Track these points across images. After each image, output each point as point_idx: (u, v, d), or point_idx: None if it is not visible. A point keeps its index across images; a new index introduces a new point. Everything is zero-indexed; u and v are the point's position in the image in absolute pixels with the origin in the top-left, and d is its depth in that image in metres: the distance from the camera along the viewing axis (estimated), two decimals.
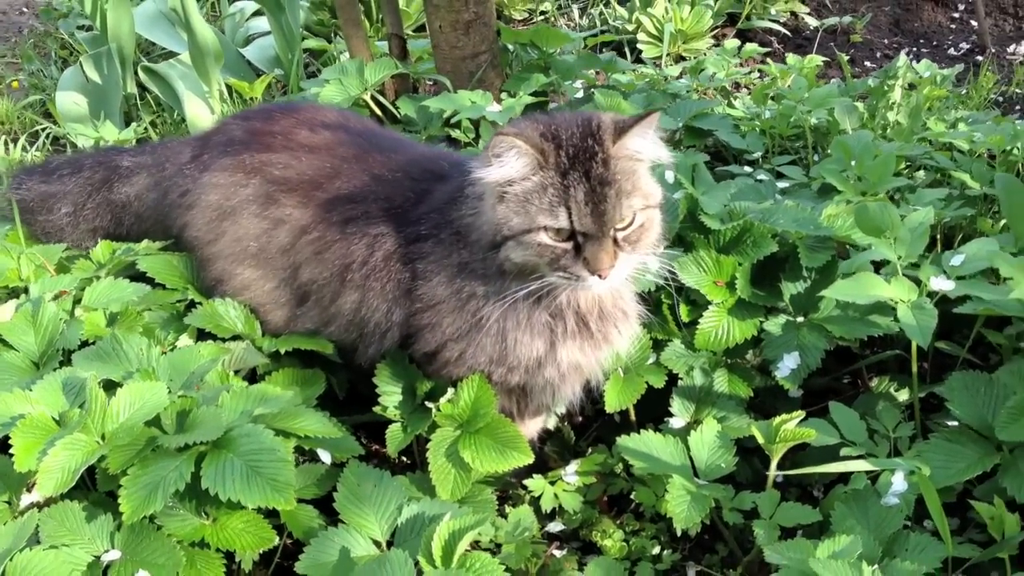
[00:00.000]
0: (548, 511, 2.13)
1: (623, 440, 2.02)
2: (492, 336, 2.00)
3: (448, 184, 2.07)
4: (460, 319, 2.01)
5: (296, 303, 2.20)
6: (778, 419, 1.96)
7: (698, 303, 2.26)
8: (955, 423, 2.03)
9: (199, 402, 1.88)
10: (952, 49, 4.60)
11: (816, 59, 3.25)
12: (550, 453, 2.34)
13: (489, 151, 1.82)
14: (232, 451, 1.76)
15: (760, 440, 1.97)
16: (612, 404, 2.16)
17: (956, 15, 4.82)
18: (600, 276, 1.82)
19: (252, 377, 2.17)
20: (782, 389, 2.31)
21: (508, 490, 2.21)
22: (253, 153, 2.24)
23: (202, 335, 2.19)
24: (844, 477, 2.20)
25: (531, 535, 1.99)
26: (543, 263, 1.85)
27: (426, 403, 2.09)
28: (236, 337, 2.16)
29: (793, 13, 4.74)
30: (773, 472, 2.00)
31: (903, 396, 2.35)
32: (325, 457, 1.99)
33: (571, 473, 2.15)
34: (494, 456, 2.01)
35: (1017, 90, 3.93)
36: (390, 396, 2.14)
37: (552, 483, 2.14)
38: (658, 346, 2.27)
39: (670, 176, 2.33)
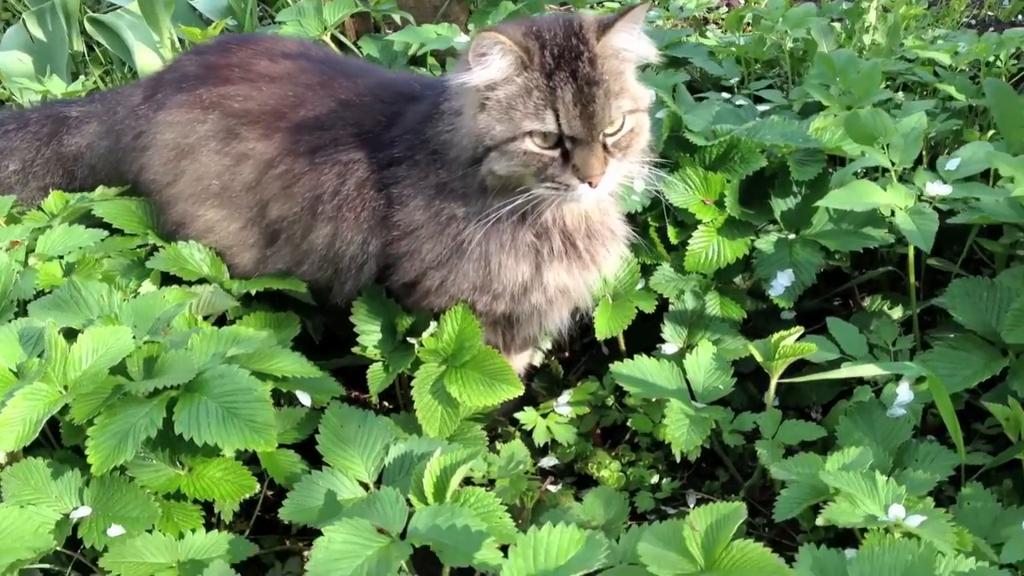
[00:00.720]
0: (541, 445, 2.04)
1: (617, 366, 1.94)
2: (474, 260, 1.90)
3: (421, 104, 1.96)
4: (440, 244, 1.91)
5: (265, 243, 2.08)
6: (776, 335, 1.87)
7: (686, 224, 2.17)
8: (953, 335, 1.96)
9: (167, 347, 1.76)
10: None
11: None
12: (539, 389, 2.25)
13: (470, 52, 1.72)
14: (206, 394, 1.65)
15: (759, 358, 1.89)
16: (602, 331, 2.07)
17: None
18: (591, 184, 1.72)
19: (221, 323, 2.04)
20: (774, 312, 2.24)
21: (497, 428, 2.12)
22: (210, 87, 2.12)
23: (166, 281, 2.07)
24: (843, 398, 2.13)
25: (525, 469, 1.89)
26: (529, 173, 1.75)
27: (408, 339, 1.99)
28: (203, 281, 2.04)
29: None
30: (773, 390, 1.92)
31: (897, 314, 2.28)
32: (305, 399, 1.88)
33: (563, 404, 2.06)
34: (482, 390, 1.91)
35: (989, 12, 3.86)
36: (369, 335, 2.04)
37: (544, 416, 2.05)
38: (646, 271, 2.18)
39: (652, 95, 2.22)
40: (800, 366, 1.93)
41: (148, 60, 3.26)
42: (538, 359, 2.26)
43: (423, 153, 1.90)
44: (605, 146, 1.73)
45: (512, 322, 2.04)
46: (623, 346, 2.18)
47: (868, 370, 1.71)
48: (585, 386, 2.08)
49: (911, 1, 3.13)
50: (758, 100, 2.76)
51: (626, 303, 2.09)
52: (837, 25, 3.10)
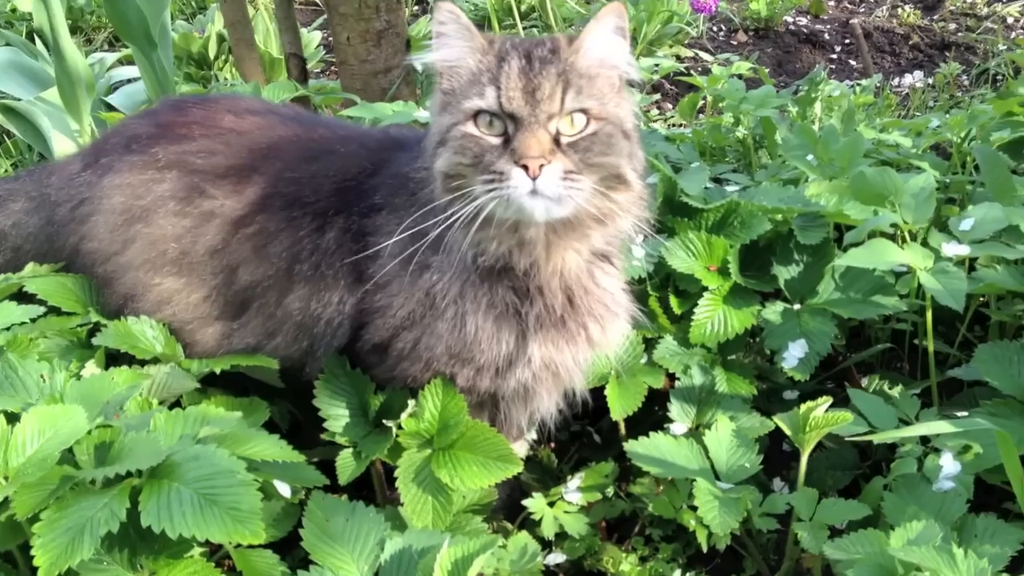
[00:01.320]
0: (550, 538, 1.80)
1: (632, 445, 1.74)
2: (448, 321, 1.68)
3: (409, 152, 1.78)
4: (412, 299, 1.70)
5: (232, 314, 1.84)
6: (804, 406, 1.71)
7: (688, 294, 2.01)
8: (991, 400, 1.82)
9: (123, 430, 1.50)
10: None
11: (745, 64, 3.10)
12: (530, 482, 2.01)
13: (432, 28, 1.60)
14: (177, 479, 1.39)
15: (787, 431, 1.72)
16: (617, 411, 1.87)
17: (834, 56, 4.84)
18: (527, 169, 1.49)
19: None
20: (775, 392, 2.09)
21: (492, 523, 1.87)
22: (166, 145, 1.90)
23: (111, 362, 1.81)
24: (860, 480, 1.98)
25: (539, 564, 1.66)
26: (467, 165, 1.55)
27: (384, 422, 1.76)
28: (156, 361, 1.78)
29: (678, 56, 4.65)
30: (804, 465, 1.73)
31: (897, 394, 2.13)
32: (284, 490, 1.63)
33: (573, 490, 1.82)
34: (477, 471, 1.68)
35: (917, 113, 3.90)
36: (335, 418, 1.79)
37: (552, 504, 1.82)
38: (648, 344, 2.00)
39: (637, 123, 2.08)
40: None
41: (65, 148, 3.01)
42: (522, 450, 2.03)
43: (402, 197, 1.71)
44: (557, 141, 1.53)
45: (498, 404, 1.83)
46: (623, 429, 1.98)
47: (940, 427, 1.54)
48: (598, 468, 1.86)
49: (855, 91, 3.11)
50: (717, 182, 2.66)
51: (636, 380, 1.90)
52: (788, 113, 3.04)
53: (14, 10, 5.18)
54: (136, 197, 1.87)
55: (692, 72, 3.80)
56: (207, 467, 1.41)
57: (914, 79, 4.26)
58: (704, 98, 3.07)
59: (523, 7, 4.63)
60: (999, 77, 4.12)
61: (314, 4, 5.34)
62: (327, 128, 1.94)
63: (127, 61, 4.17)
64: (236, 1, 3.18)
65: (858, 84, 3.22)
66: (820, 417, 1.69)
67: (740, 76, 3.11)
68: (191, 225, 1.84)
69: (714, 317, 1.96)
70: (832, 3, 5.39)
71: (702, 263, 1.98)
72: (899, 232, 1.93)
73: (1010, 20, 4.80)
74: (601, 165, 1.56)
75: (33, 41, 4.24)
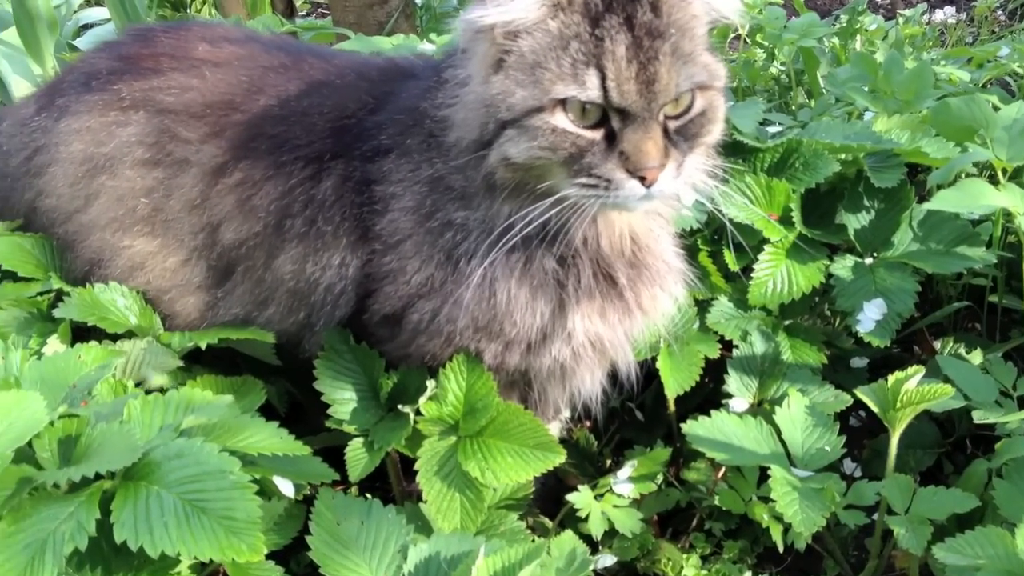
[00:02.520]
0: (597, 537, 1.54)
1: (691, 426, 1.49)
2: (475, 288, 1.40)
3: (421, 81, 1.49)
4: (431, 262, 1.43)
5: (216, 280, 1.57)
6: (893, 377, 1.45)
7: (743, 248, 1.74)
8: None
9: (92, 421, 1.24)
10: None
11: None
12: (566, 468, 1.74)
13: None
14: (156, 482, 1.14)
15: (875, 408, 1.46)
16: (672, 387, 1.62)
17: None
18: (643, 180, 1.22)
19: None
20: (841, 359, 1.85)
21: (527, 519, 1.61)
22: (131, 81, 1.62)
23: (78, 337, 1.53)
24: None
25: (589, 573, 1.40)
26: (557, 163, 1.25)
27: (399, 407, 1.50)
28: (130, 335, 1.51)
29: None
30: (894, 449, 1.48)
31: (976, 359, 1.86)
32: (286, 488, 1.38)
33: (623, 480, 1.55)
34: (513, 461, 1.43)
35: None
36: (341, 403, 1.53)
37: (599, 497, 1.55)
38: (699, 307, 1.73)
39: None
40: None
41: (27, 94, 2.72)
42: (556, 430, 1.77)
43: (417, 138, 1.43)
44: (666, 131, 1.25)
45: (531, 383, 1.57)
46: (672, 406, 1.72)
47: None
48: (653, 455, 1.58)
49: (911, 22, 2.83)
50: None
51: (689, 351, 1.64)
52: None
53: None
54: (98, 144, 1.60)
55: None
56: (193, 466, 1.15)
57: (946, 15, 3.98)
58: (736, 30, 2.78)
59: None
60: None
61: None
62: (319, 57, 1.66)
63: (96, 2, 3.86)
64: None
65: (901, 14, 2.94)
66: (914, 391, 1.43)
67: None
68: (163, 176, 1.56)
69: (776, 274, 1.70)
70: None
71: (762, 210, 1.71)
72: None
73: None
74: (708, 143, 1.34)
75: None
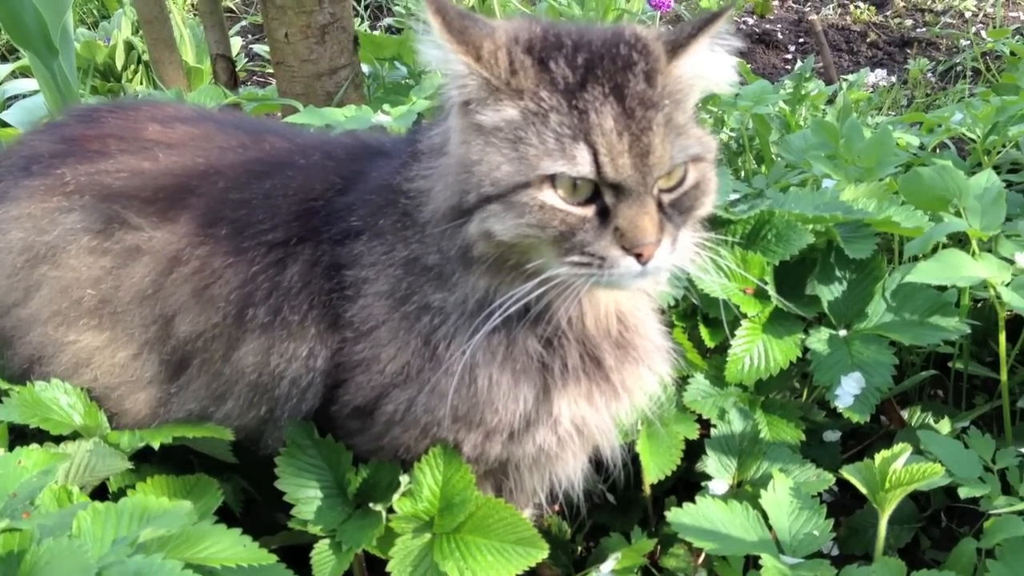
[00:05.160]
0: None
1: (676, 514, 1.41)
2: (455, 375, 1.32)
3: (392, 159, 1.42)
4: (407, 348, 1.35)
5: (169, 375, 1.47)
6: (880, 456, 1.40)
7: (720, 322, 1.68)
8: None
9: (36, 536, 1.13)
10: None
11: (735, 41, 2.81)
12: None
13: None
14: None
15: (863, 489, 1.41)
16: (653, 472, 1.55)
17: (788, 56, 4.60)
18: (639, 257, 1.16)
19: (102, 497, 1.41)
20: (814, 432, 1.78)
21: None
22: (76, 164, 1.52)
23: (17, 439, 1.43)
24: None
25: None
26: (546, 241, 1.18)
27: (370, 506, 1.41)
28: (76, 436, 1.41)
29: None
30: (883, 531, 1.43)
31: (945, 428, 1.84)
32: None
33: (606, 574, 1.48)
34: (491, 560, 1.36)
35: (890, 112, 3.66)
36: (305, 501, 1.43)
37: None
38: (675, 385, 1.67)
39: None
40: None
41: None
42: (528, 514, 1.69)
43: (390, 218, 1.36)
44: (660, 204, 1.20)
45: (508, 471, 1.49)
46: (648, 489, 1.65)
47: None
48: (637, 546, 1.51)
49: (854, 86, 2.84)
50: None
51: (669, 432, 1.57)
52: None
53: None
54: (39, 231, 1.50)
55: None
56: None
57: (877, 77, 4.03)
58: None
59: (464, 6, 4.29)
60: (968, 73, 3.91)
61: (229, 10, 4.94)
62: (280, 136, 1.58)
63: (23, 73, 3.74)
64: None
65: (845, 79, 2.95)
66: (903, 471, 1.39)
67: None
68: (112, 265, 1.46)
69: (753, 350, 1.65)
70: (776, 3, 5.16)
71: (736, 285, 1.66)
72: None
73: (967, 14, 4.61)
74: (700, 216, 1.30)
75: None
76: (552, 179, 1.16)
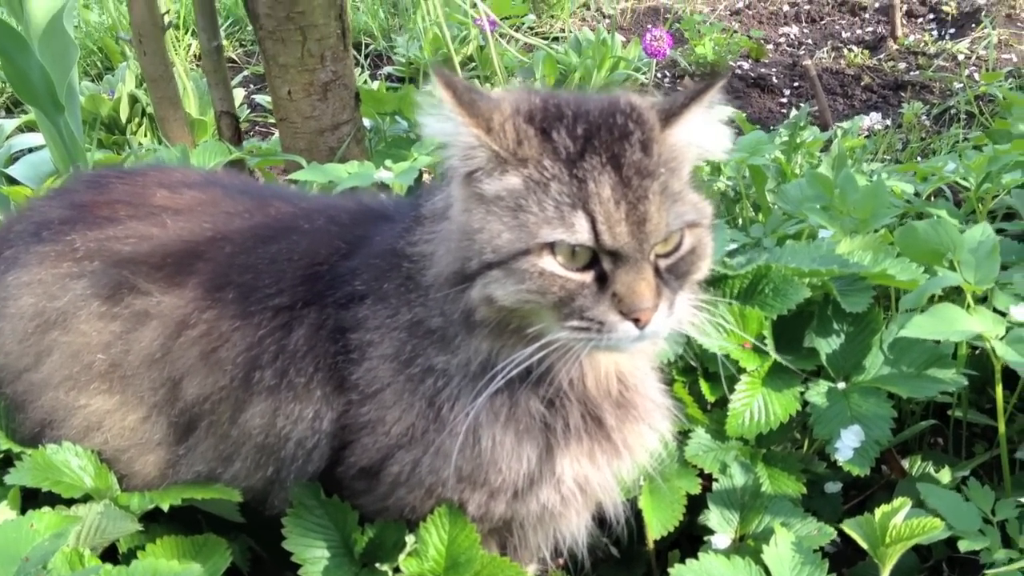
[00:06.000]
0: None
1: (679, 571, 1.42)
2: (459, 436, 1.34)
3: (395, 223, 1.45)
4: (412, 410, 1.37)
5: (177, 437, 1.49)
6: (880, 511, 1.42)
7: (719, 377, 1.71)
8: None
9: None
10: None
11: (726, 110, 2.85)
12: None
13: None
14: None
15: (864, 544, 1.43)
16: (657, 528, 1.57)
17: (784, 100, 4.64)
18: (637, 322, 1.20)
19: (112, 559, 1.43)
20: (815, 484, 1.80)
21: None
22: (84, 231, 1.56)
23: (28, 501, 1.44)
24: None
25: None
26: (546, 306, 1.22)
27: (376, 566, 1.43)
28: (86, 498, 1.43)
29: None
30: None
31: (945, 477, 1.85)
32: None
33: None
34: None
35: (886, 157, 3.70)
36: (312, 562, 1.45)
37: None
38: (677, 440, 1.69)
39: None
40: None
41: None
42: (533, 571, 1.71)
43: (394, 282, 1.39)
44: (657, 269, 1.23)
45: (512, 529, 1.51)
46: (651, 543, 1.67)
47: None
48: None
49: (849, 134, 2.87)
50: None
51: (671, 487, 1.59)
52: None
53: None
54: (50, 297, 1.53)
55: None
56: None
57: (872, 121, 4.07)
58: None
59: (461, 56, 4.34)
60: (962, 116, 3.95)
61: (231, 60, 4.99)
62: (285, 200, 1.62)
63: (29, 127, 3.78)
64: (157, 55, 2.83)
65: (840, 127, 2.99)
66: (903, 526, 1.41)
67: None
68: (121, 330, 1.49)
69: (753, 404, 1.67)
70: (771, 47, 5.22)
71: (735, 340, 1.69)
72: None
73: (960, 57, 4.66)
74: (696, 280, 1.32)
75: None
76: (552, 246, 1.19)
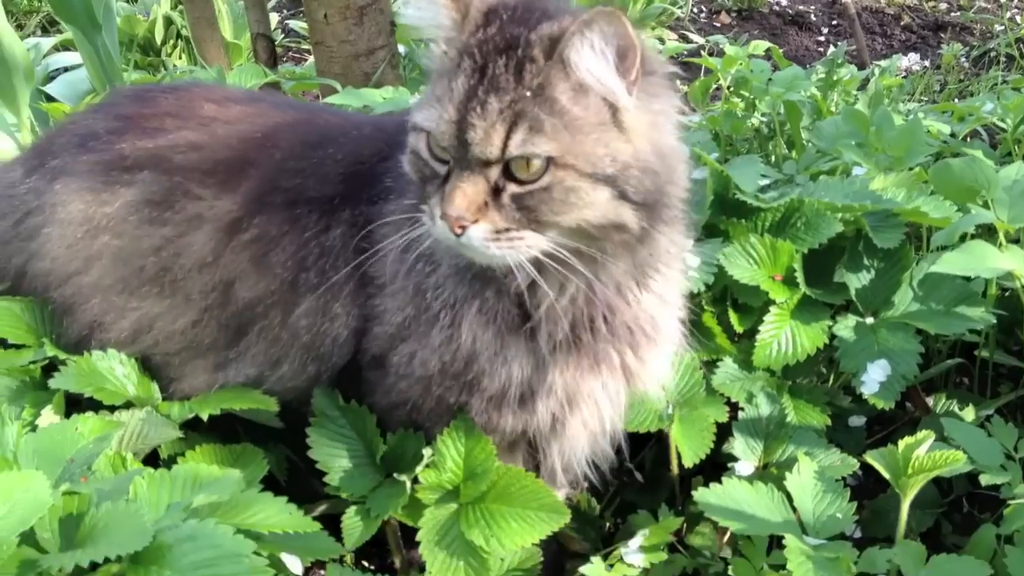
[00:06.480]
0: None
1: (703, 494, 1.45)
2: (441, 327, 1.39)
3: None
4: (404, 296, 1.43)
5: (227, 342, 1.53)
6: (903, 443, 1.44)
7: (748, 308, 1.73)
8: None
9: (94, 499, 1.19)
10: None
11: (762, 44, 2.85)
12: (568, 532, 1.71)
13: None
14: (169, 566, 1.10)
15: (885, 474, 1.45)
16: (690, 455, 1.58)
17: (821, 38, 4.61)
18: (448, 222, 1.21)
19: (153, 464, 1.48)
20: (839, 417, 1.82)
21: None
22: (134, 140, 1.58)
23: (72, 407, 1.49)
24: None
25: None
26: (418, 184, 1.31)
27: (395, 476, 1.47)
28: (128, 405, 1.47)
29: (660, 39, 4.38)
30: (904, 516, 1.47)
31: (969, 415, 1.87)
32: (293, 565, 1.34)
33: (634, 550, 1.52)
34: (517, 526, 1.41)
35: (923, 98, 3.67)
36: (335, 469, 1.49)
37: (610, 567, 1.52)
38: (705, 368, 1.72)
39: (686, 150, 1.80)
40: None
41: (2, 145, 2.65)
42: (562, 495, 1.74)
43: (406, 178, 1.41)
44: (497, 189, 1.21)
45: (536, 446, 1.54)
46: (675, 468, 1.70)
47: None
48: (664, 523, 1.56)
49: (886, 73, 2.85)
50: None
51: (699, 415, 1.62)
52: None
53: None
54: (100, 203, 1.56)
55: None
56: (207, 550, 1.11)
57: (910, 62, 4.03)
58: (717, 82, 2.80)
59: None
60: (1002, 59, 3.91)
61: None
62: (334, 114, 1.66)
63: (65, 47, 3.79)
64: None
65: (877, 65, 2.97)
66: (925, 458, 1.43)
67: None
68: (173, 234, 1.53)
69: (781, 335, 1.69)
70: None
71: (766, 272, 1.70)
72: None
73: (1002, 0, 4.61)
74: (556, 224, 1.24)
75: None
76: (416, 126, 1.26)
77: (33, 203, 1.62)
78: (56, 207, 1.58)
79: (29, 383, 1.53)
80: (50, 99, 3.12)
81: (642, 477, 1.82)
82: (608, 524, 1.78)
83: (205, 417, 1.46)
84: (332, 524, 1.44)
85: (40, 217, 1.60)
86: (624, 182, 1.23)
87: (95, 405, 1.46)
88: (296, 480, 1.61)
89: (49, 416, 1.46)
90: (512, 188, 1.21)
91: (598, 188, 1.22)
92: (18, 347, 1.57)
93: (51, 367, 1.52)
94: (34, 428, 1.40)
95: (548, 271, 1.28)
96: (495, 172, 1.21)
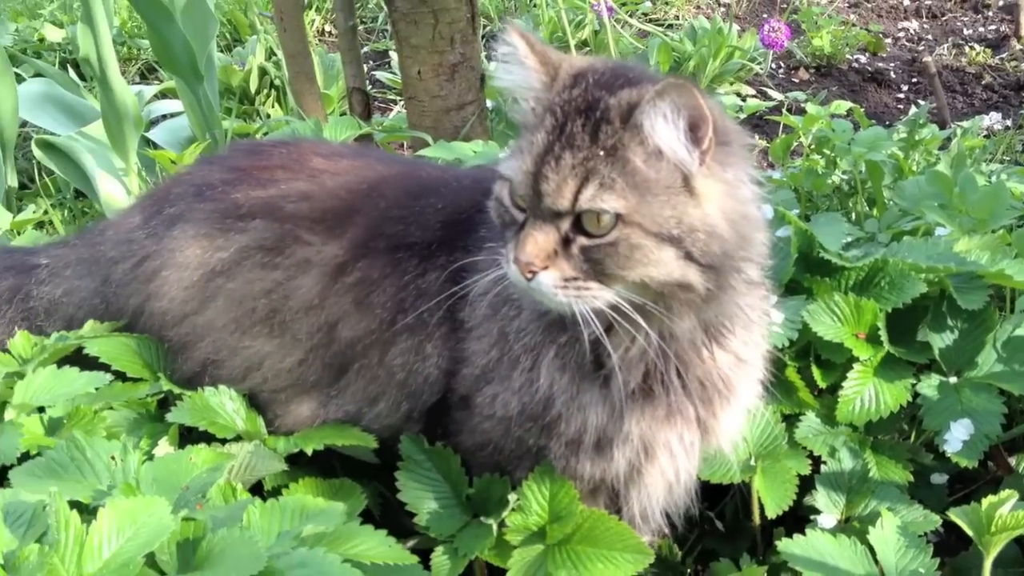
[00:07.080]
0: None
1: (787, 544, 1.49)
2: (521, 370, 1.46)
3: None
4: (492, 342, 1.50)
5: (330, 380, 1.62)
6: (986, 501, 1.46)
7: (832, 364, 1.77)
8: None
9: (209, 525, 1.27)
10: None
11: (844, 104, 2.89)
12: None
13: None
14: None
15: (969, 531, 1.47)
16: (773, 506, 1.62)
17: (900, 95, 4.61)
18: (519, 266, 1.28)
19: (256, 493, 1.55)
20: (922, 474, 1.83)
21: None
22: (247, 191, 1.69)
23: (184, 439, 1.57)
24: None
25: None
26: (500, 228, 1.39)
27: (482, 519, 1.53)
28: (237, 438, 1.55)
29: (739, 94, 4.44)
30: (987, 574, 1.49)
31: None
32: None
33: None
34: (603, 567, 1.46)
35: (1005, 158, 3.67)
36: (422, 508, 1.56)
37: None
38: (787, 422, 1.75)
39: (769, 211, 1.85)
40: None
41: (111, 189, 2.78)
42: (645, 540, 1.78)
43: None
44: (568, 240, 1.28)
45: (616, 494, 1.59)
46: (757, 518, 1.74)
47: None
48: (748, 572, 1.60)
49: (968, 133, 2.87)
50: None
51: (781, 467, 1.66)
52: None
53: (42, 39, 4.97)
54: (216, 248, 1.66)
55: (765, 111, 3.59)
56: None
57: (992, 120, 4.03)
58: (798, 139, 2.85)
59: (576, 40, 4.41)
60: None
61: None
62: (435, 167, 1.77)
63: (164, 95, 3.96)
64: (296, 32, 2.97)
65: (959, 125, 2.99)
66: (1009, 516, 1.45)
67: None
68: (283, 277, 1.62)
69: (864, 392, 1.72)
70: (889, 41, 5.18)
71: (849, 329, 1.74)
72: None
73: None
74: (621, 278, 1.29)
75: (66, 71, 4.04)
76: (502, 176, 1.35)
77: (152, 248, 1.72)
78: (174, 252, 1.68)
79: (146, 415, 1.63)
80: (153, 145, 3.26)
81: (723, 526, 1.86)
82: (689, 571, 1.82)
83: (309, 452, 1.54)
84: (422, 558, 1.50)
85: (158, 261, 1.70)
86: (691, 244, 1.28)
87: (205, 437, 1.54)
88: (387, 514, 1.68)
89: (164, 447, 1.54)
90: (581, 240, 1.28)
91: (663, 247, 1.28)
92: (135, 380, 1.66)
93: (165, 401, 1.61)
94: (151, 457, 1.49)
95: (615, 323, 1.34)
96: (566, 224, 1.28)
